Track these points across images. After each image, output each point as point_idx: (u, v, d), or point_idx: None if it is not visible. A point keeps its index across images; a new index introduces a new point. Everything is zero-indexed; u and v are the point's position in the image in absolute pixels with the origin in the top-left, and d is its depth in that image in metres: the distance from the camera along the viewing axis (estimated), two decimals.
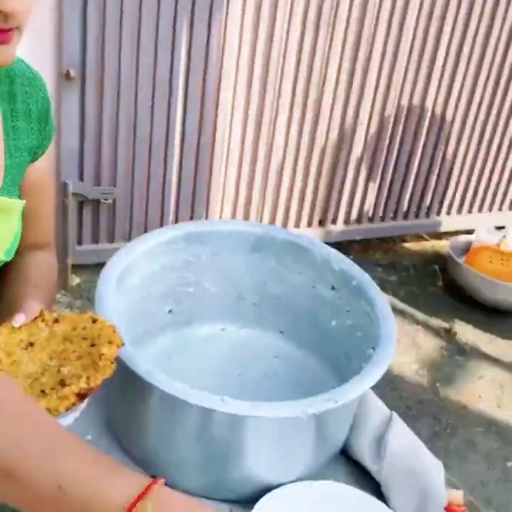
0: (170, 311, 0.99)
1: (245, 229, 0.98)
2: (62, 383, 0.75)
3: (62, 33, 2.09)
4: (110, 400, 0.85)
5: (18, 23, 0.79)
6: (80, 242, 2.39)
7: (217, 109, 2.26)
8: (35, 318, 0.83)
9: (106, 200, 2.26)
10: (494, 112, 2.76)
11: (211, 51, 2.15)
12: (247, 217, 2.50)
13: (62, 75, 2.10)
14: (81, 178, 2.24)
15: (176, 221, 2.39)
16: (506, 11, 2.55)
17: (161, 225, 2.37)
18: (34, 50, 2.29)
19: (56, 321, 0.83)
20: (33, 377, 0.78)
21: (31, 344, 0.81)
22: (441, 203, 2.88)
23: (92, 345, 0.79)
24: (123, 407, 0.82)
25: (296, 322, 1.02)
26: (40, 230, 1.10)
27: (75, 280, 2.78)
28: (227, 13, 2.12)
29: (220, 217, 2.48)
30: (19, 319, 0.83)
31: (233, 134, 2.34)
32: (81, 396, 0.75)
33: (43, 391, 0.75)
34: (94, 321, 0.81)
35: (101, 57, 2.09)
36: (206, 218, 2.43)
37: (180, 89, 2.17)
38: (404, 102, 2.57)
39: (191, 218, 2.40)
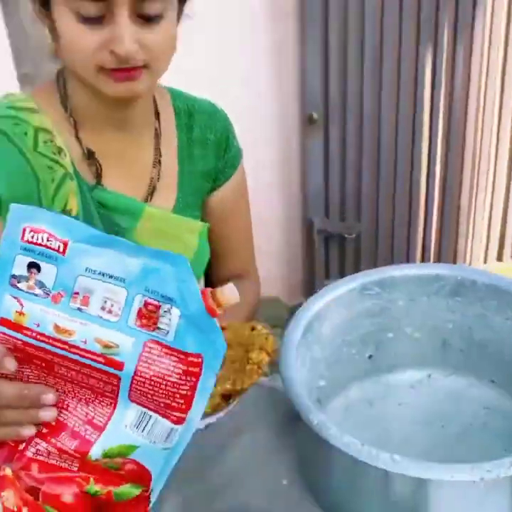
0: (370, 357, 0.97)
1: (443, 272, 0.93)
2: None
3: (305, 78, 2.19)
4: (300, 447, 0.87)
5: (142, 63, 0.85)
6: (327, 276, 2.47)
7: (463, 149, 2.15)
8: None
9: (351, 235, 2.30)
10: None
11: (457, 86, 2.06)
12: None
13: (306, 118, 2.21)
14: (326, 215, 2.33)
15: (423, 257, 2.33)
16: None
17: (407, 260, 2.33)
18: (279, 94, 2.44)
19: (223, 328, 0.85)
20: None
21: None
22: None
23: (247, 351, 0.82)
24: (308, 456, 0.83)
25: (510, 371, 0.93)
26: (233, 259, 1.16)
27: None
28: (471, 48, 2.02)
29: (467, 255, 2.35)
30: None
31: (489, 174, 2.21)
32: (226, 397, 0.78)
33: None
34: (253, 328, 0.84)
35: (343, 98, 2.13)
36: (454, 254, 2.32)
37: (425, 125, 2.13)
38: None
39: (438, 254, 2.32)
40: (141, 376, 0.57)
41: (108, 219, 0.98)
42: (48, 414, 0.60)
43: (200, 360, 0.57)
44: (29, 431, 0.61)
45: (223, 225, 1.12)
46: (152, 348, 0.57)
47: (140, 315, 0.57)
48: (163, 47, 0.87)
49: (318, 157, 2.24)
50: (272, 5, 2.29)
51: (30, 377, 0.61)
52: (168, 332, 0.57)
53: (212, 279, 1.18)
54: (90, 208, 0.96)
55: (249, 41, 2.28)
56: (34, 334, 0.58)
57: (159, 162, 1.02)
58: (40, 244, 0.58)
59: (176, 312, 0.56)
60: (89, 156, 0.96)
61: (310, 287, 2.50)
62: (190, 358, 0.57)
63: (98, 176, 0.96)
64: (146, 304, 0.57)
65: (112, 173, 0.98)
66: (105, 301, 0.57)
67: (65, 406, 0.61)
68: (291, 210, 2.64)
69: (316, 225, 2.33)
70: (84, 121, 0.96)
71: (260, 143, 2.74)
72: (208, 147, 1.06)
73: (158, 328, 0.57)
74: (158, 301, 0.57)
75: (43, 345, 0.58)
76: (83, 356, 0.58)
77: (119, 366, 0.57)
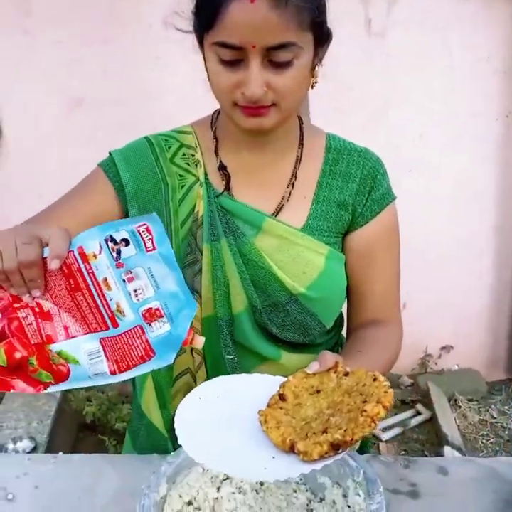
0: None
1: None
2: (324, 431, 0.80)
3: None
4: None
5: (270, 102, 0.96)
6: None
7: None
8: (330, 369, 0.89)
9: None
10: None
11: None
12: None
13: None
14: None
15: None
16: None
17: None
18: (502, 160, 2.60)
19: (346, 374, 0.88)
20: (307, 420, 0.85)
21: (318, 391, 0.88)
22: None
23: (365, 402, 0.81)
24: None
25: None
26: (376, 302, 1.16)
27: None
28: None
29: None
30: (313, 367, 0.91)
31: None
32: (334, 447, 0.78)
33: (307, 434, 0.81)
34: (375, 379, 0.84)
35: None
36: None
37: None
38: None
39: None
40: (119, 338, 0.85)
41: (230, 224, 1.09)
42: (35, 292, 0.83)
43: (154, 356, 0.85)
44: (34, 293, 0.84)
45: (367, 264, 1.13)
46: (138, 331, 0.85)
47: (149, 311, 0.85)
48: (292, 89, 0.96)
49: None
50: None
51: (57, 286, 0.85)
52: (153, 331, 0.85)
53: (352, 320, 1.19)
54: (214, 212, 1.08)
55: None
56: (90, 271, 0.84)
57: (292, 185, 1.10)
58: (141, 236, 0.85)
59: (166, 327, 0.85)
60: (221, 167, 1.10)
61: None
62: (152, 354, 0.85)
63: (226, 185, 1.09)
64: (156, 309, 0.85)
65: (242, 187, 1.10)
66: (139, 289, 0.85)
67: (60, 311, 0.85)
68: (504, 279, 2.71)
69: None
70: (225, 142, 1.11)
71: (484, 209, 2.86)
72: (351, 181, 1.11)
73: (150, 325, 0.85)
74: (163, 312, 0.86)
75: (87, 279, 0.84)
76: (102, 303, 0.85)
77: (115, 324, 0.85)
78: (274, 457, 0.82)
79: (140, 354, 0.84)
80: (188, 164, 1.10)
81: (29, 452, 2.13)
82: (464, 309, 3.06)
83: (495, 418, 2.95)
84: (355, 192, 1.10)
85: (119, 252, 0.84)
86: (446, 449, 2.59)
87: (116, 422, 1.91)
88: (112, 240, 0.84)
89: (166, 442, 1.17)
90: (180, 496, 0.95)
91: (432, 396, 2.92)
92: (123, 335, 0.85)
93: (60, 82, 2.64)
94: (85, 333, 0.85)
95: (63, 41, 2.57)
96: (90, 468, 1.12)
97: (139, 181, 1.09)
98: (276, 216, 1.09)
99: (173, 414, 0.87)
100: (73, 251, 0.83)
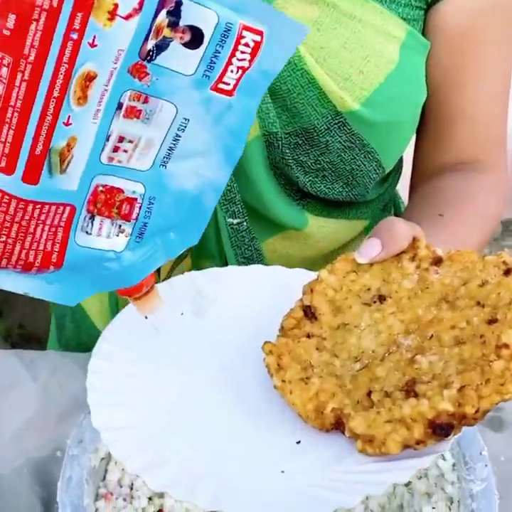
0: None
1: None
2: (410, 390, 0.39)
3: None
4: None
5: None
6: None
7: None
8: (403, 252, 0.47)
9: None
10: None
11: None
12: None
13: None
14: None
15: None
16: None
17: None
18: None
19: (438, 262, 0.46)
20: (364, 361, 0.43)
21: (381, 298, 0.46)
22: None
23: (493, 321, 0.41)
24: None
25: None
26: (463, 136, 0.72)
27: None
28: None
29: None
30: (370, 249, 0.47)
31: None
32: (437, 429, 0.37)
33: (368, 395, 0.41)
34: (508, 271, 0.43)
35: None
36: None
37: None
38: None
39: None
40: (19, 205, 0.41)
41: None
42: None
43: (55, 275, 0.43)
44: None
45: (459, 64, 0.69)
46: (60, 216, 0.42)
47: (108, 191, 0.43)
48: None
49: None
50: None
51: None
52: (88, 235, 0.44)
53: (422, 163, 0.76)
54: None
55: None
56: (73, 38, 0.38)
57: None
58: (233, 50, 0.40)
59: (119, 241, 0.44)
60: None
61: None
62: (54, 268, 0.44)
63: None
64: (127, 198, 0.44)
65: None
66: (133, 143, 0.41)
67: None
68: None
69: None
70: None
71: None
72: None
73: (92, 221, 0.43)
74: (136, 210, 0.44)
75: (52, 57, 0.37)
76: (39, 121, 0.39)
77: (31, 177, 0.40)
78: (298, 443, 0.41)
79: (35, 255, 0.41)
80: None
81: None
82: None
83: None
84: None
85: (161, 48, 0.37)
86: None
87: None
88: (174, 13, 0.37)
89: None
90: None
91: None
92: (32, 206, 0.40)
93: None
94: None
95: None
96: None
97: None
98: None
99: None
100: None
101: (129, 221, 0.44)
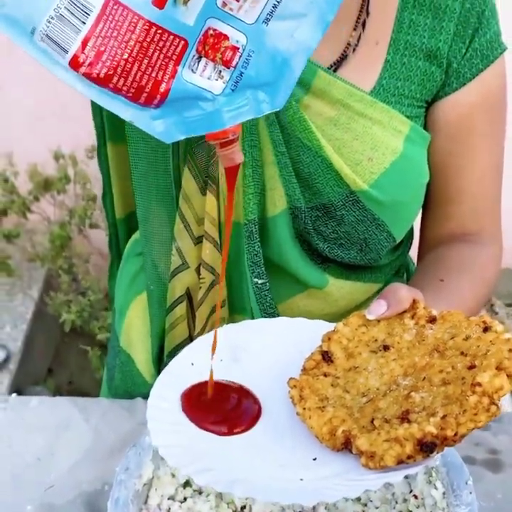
0: None
1: None
2: (404, 418, 0.48)
3: None
4: None
5: None
6: None
7: None
8: (405, 311, 0.58)
9: None
10: None
11: None
12: None
13: None
14: None
15: None
16: None
17: None
18: None
19: (432, 320, 0.56)
20: (370, 395, 0.53)
21: (386, 347, 0.56)
22: None
23: (471, 367, 0.50)
24: None
25: None
26: (462, 211, 0.82)
27: None
28: None
29: None
30: (377, 308, 0.57)
31: None
32: (423, 447, 0.46)
33: (372, 421, 0.49)
34: (486, 329, 0.53)
35: None
36: None
37: None
38: None
39: None
40: (144, 25, 0.48)
41: None
42: None
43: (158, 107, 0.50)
44: None
45: (459, 150, 0.79)
46: (174, 48, 0.49)
47: (216, 36, 0.49)
48: None
49: None
50: None
51: None
52: (193, 73, 0.50)
53: (428, 234, 0.86)
54: None
55: None
56: None
57: (363, 24, 0.75)
58: None
59: (218, 85, 0.50)
60: None
61: None
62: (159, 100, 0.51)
63: None
64: (231, 46, 0.49)
65: None
66: None
67: None
68: None
69: None
70: None
71: None
72: (446, 18, 0.75)
73: (198, 61, 0.50)
74: (237, 57, 0.50)
75: None
76: None
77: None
78: (314, 459, 0.51)
79: (148, 79, 0.49)
80: None
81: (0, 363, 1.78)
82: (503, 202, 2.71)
83: None
84: (452, 35, 0.74)
85: None
86: None
87: (99, 331, 1.63)
88: None
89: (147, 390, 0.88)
90: (174, 476, 0.66)
91: None
92: (155, 29, 0.48)
93: None
94: None
95: None
96: (54, 416, 0.84)
97: None
98: (334, 71, 0.75)
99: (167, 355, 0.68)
100: None
101: (229, 68, 0.49)
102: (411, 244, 0.93)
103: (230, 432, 0.56)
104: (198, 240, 0.78)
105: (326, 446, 0.51)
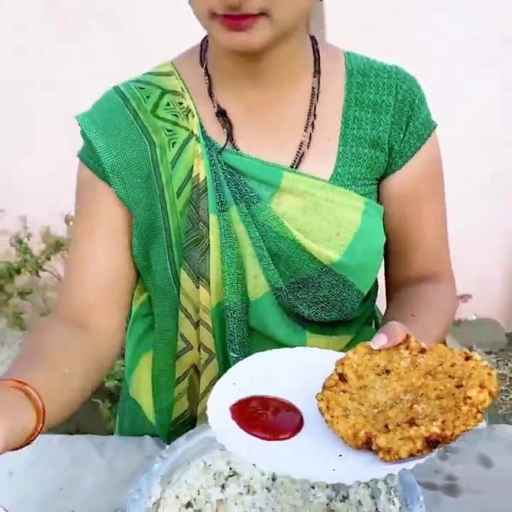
0: None
1: None
2: (412, 422, 0.62)
3: None
4: None
5: (258, 10, 0.72)
6: None
7: None
8: (400, 344, 0.72)
9: None
10: None
11: None
12: None
13: None
14: None
15: None
16: None
17: None
18: None
19: (422, 351, 0.71)
20: (380, 407, 0.68)
21: (387, 371, 0.71)
22: None
23: (459, 386, 0.65)
24: None
25: None
26: (422, 257, 0.96)
27: None
28: None
29: None
30: (379, 341, 0.71)
31: None
32: (430, 443, 0.61)
33: (386, 426, 0.63)
34: (468, 358, 0.67)
35: None
36: None
37: None
38: None
39: None
40: None
41: (240, 187, 0.87)
42: None
43: None
44: None
45: (410, 213, 0.93)
46: None
47: None
48: None
49: None
50: None
51: None
52: None
53: (393, 279, 1.00)
54: (219, 173, 0.86)
55: None
56: None
57: (312, 125, 0.88)
58: None
59: None
60: (220, 114, 0.87)
61: None
62: None
63: (228, 136, 0.87)
64: None
65: (248, 135, 0.88)
66: None
67: None
68: None
69: None
70: (220, 79, 0.88)
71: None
72: (383, 111, 0.89)
73: None
74: None
75: None
76: None
77: None
78: (340, 455, 0.65)
79: None
80: (176, 116, 0.87)
81: None
82: (482, 256, 2.89)
83: None
84: (390, 125, 0.88)
85: None
86: None
87: (107, 379, 1.75)
88: None
89: (151, 430, 1.02)
90: (178, 497, 0.79)
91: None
92: None
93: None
94: None
95: None
96: (72, 452, 0.97)
97: (117, 149, 0.87)
98: (296, 168, 0.87)
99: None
100: None
101: None
102: (376, 295, 1.07)
103: (275, 438, 0.67)
104: (197, 325, 0.92)
105: (349, 445, 0.65)
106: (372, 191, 0.91)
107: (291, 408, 0.71)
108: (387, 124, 0.89)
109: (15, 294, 1.96)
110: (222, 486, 0.81)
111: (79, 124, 0.89)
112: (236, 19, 0.73)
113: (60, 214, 2.17)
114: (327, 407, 0.67)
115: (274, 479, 0.83)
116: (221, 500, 0.80)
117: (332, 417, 0.66)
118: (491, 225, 2.84)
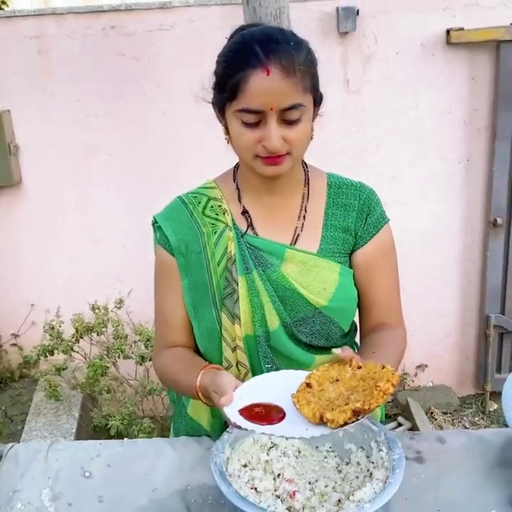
0: None
1: None
2: (346, 404, 1.01)
3: (492, 185, 2.44)
4: None
5: (285, 152, 1.14)
6: (498, 371, 2.71)
7: None
8: (346, 363, 1.09)
9: None
10: None
11: None
12: None
13: (490, 222, 2.50)
14: (502, 312, 2.58)
15: None
16: None
17: None
18: (464, 199, 2.78)
19: (359, 367, 1.07)
20: (331, 400, 1.04)
21: (337, 380, 1.07)
22: None
23: (376, 383, 1.01)
24: None
25: None
26: (379, 309, 1.32)
27: (493, 406, 3.03)
28: None
29: None
30: (338, 352, 1.10)
31: None
32: (355, 413, 0.97)
33: (333, 409, 1.01)
34: (383, 367, 1.04)
35: None
36: None
37: None
38: None
39: None
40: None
41: (258, 258, 1.25)
42: None
43: None
44: None
45: (370, 277, 1.31)
46: None
47: None
48: (301, 140, 1.16)
49: (498, 260, 2.48)
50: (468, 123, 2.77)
51: None
52: None
53: (364, 325, 1.37)
54: (244, 249, 1.25)
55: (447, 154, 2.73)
56: None
57: (304, 217, 1.27)
58: None
59: None
60: (244, 212, 1.27)
61: (482, 379, 2.74)
62: None
63: (249, 225, 1.27)
64: None
65: (263, 225, 1.27)
66: None
67: None
68: (469, 305, 2.88)
69: (492, 321, 2.58)
70: (246, 190, 1.29)
71: (444, 242, 3.01)
72: (351, 210, 1.28)
73: None
74: None
75: None
76: None
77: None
78: (307, 429, 1.02)
79: None
80: (217, 214, 1.28)
81: None
82: (436, 332, 3.25)
83: (467, 428, 3.12)
84: (355, 219, 1.27)
85: None
86: None
87: (138, 434, 2.07)
88: None
89: (206, 433, 1.38)
90: (239, 460, 1.13)
91: (411, 409, 3.17)
92: None
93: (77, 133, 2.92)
94: None
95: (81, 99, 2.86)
96: (153, 448, 1.30)
97: (180, 233, 1.28)
98: (294, 245, 1.26)
99: (225, 421, 1.07)
100: None
101: None
102: (356, 334, 1.42)
103: (270, 423, 1.03)
104: (234, 349, 1.29)
105: (311, 422, 1.02)
106: (345, 261, 1.30)
107: (277, 408, 1.06)
108: (353, 218, 1.28)
109: (53, 370, 2.26)
110: (267, 453, 1.16)
111: (155, 220, 1.32)
112: (274, 158, 1.15)
113: (86, 303, 2.58)
114: (297, 401, 1.04)
115: (299, 451, 1.20)
116: (267, 461, 1.15)
117: (300, 405, 1.03)
118: (441, 308, 3.17)
